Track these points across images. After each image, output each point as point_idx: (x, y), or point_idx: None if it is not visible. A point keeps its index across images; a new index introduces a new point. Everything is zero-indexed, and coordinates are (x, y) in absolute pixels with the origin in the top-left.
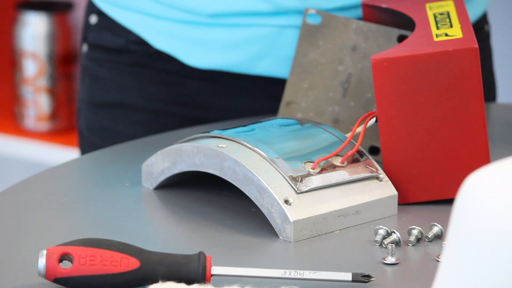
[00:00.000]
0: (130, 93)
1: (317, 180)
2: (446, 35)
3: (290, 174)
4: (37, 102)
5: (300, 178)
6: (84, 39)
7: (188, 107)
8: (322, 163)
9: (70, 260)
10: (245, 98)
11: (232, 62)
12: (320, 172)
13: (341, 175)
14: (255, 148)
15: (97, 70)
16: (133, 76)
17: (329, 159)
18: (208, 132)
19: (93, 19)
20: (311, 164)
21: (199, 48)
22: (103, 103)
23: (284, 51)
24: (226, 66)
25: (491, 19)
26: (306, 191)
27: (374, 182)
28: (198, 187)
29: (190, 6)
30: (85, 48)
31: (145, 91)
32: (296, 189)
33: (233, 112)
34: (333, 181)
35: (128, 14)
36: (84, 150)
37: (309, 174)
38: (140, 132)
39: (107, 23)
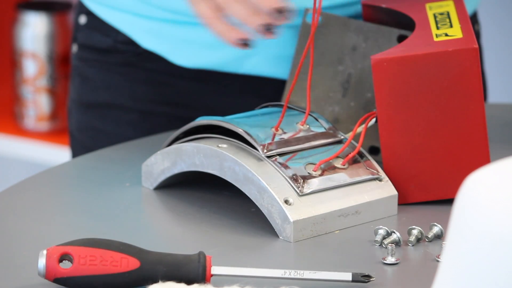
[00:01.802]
0: (119, 93)
1: (319, 183)
2: (446, 35)
3: (292, 176)
4: (37, 102)
5: (302, 180)
6: (74, 39)
7: (177, 107)
8: (323, 165)
9: (70, 260)
10: (234, 97)
11: (220, 61)
12: (321, 174)
13: (342, 177)
14: (254, 150)
15: (87, 71)
16: (122, 76)
17: (330, 160)
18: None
19: (83, 19)
20: (312, 166)
21: (187, 47)
22: (93, 103)
23: (272, 49)
24: (214, 65)
25: (481, 18)
26: (308, 194)
27: (374, 183)
28: (198, 187)
29: (178, 6)
30: (74, 48)
31: (134, 91)
32: (298, 191)
33: (222, 111)
34: (335, 184)
35: (116, 14)
36: (75, 151)
37: (310, 176)
38: (130, 132)
39: (96, 23)
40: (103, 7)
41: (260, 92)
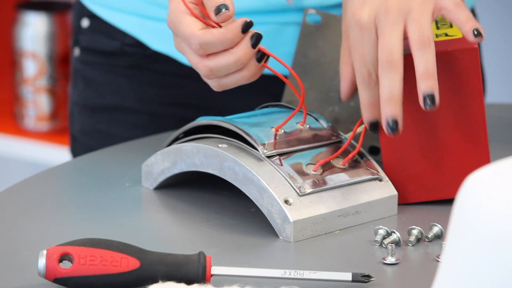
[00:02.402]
0: (126, 96)
1: (319, 183)
2: (446, 35)
3: (292, 176)
4: (37, 102)
5: (302, 181)
6: (75, 42)
7: (186, 108)
8: (323, 165)
9: (70, 260)
10: (244, 97)
11: None
12: (321, 174)
13: (342, 177)
14: (254, 150)
15: (91, 74)
16: (129, 79)
17: (330, 160)
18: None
19: (85, 22)
20: (312, 166)
21: None
22: (98, 106)
23: (283, 48)
24: None
25: (480, 16)
26: (308, 194)
27: (374, 182)
28: (198, 187)
29: None
30: (76, 52)
31: (142, 94)
32: (298, 191)
33: (231, 111)
34: (335, 184)
35: (123, 16)
36: (77, 153)
37: (311, 176)
38: (137, 134)
39: (100, 26)
40: (109, 10)
41: (270, 91)
